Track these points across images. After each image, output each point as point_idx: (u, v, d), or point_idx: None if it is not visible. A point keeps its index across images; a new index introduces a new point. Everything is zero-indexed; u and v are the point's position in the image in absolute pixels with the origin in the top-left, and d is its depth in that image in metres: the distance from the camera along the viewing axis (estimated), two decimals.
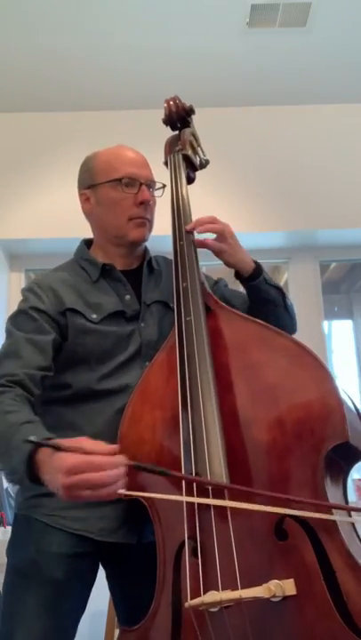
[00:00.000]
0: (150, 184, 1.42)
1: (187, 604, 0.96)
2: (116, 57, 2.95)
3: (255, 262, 1.43)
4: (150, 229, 1.44)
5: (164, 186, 1.45)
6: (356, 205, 3.16)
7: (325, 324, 3.33)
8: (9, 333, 1.33)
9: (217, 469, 1.06)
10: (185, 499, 1.04)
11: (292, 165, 3.22)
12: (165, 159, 1.59)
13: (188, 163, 1.55)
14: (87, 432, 1.25)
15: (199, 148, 1.62)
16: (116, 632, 2.31)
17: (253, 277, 1.42)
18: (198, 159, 1.59)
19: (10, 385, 1.22)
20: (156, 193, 1.45)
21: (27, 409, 1.18)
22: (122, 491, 0.98)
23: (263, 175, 3.22)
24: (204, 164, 1.61)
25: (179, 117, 1.60)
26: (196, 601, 0.95)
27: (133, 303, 1.39)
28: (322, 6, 2.70)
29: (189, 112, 1.61)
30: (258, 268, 1.42)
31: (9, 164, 3.22)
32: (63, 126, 3.24)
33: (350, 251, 3.38)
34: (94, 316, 1.35)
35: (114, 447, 1.00)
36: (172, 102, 1.60)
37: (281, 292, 1.46)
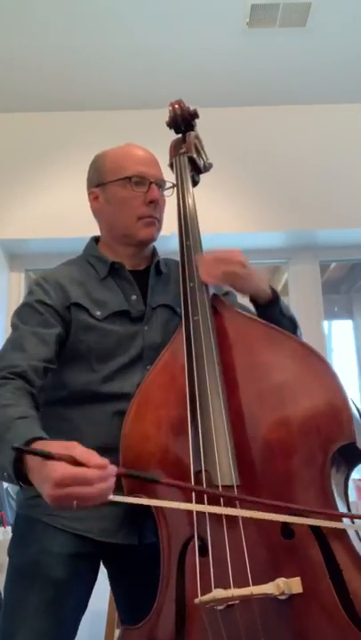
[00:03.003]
0: (160, 183, 1.41)
1: (197, 600, 0.95)
2: (116, 57, 2.95)
3: (273, 290, 1.35)
4: (159, 229, 1.43)
5: (173, 185, 1.44)
6: (356, 205, 3.16)
7: (325, 323, 3.33)
8: (14, 327, 1.33)
9: (226, 470, 1.06)
10: (194, 507, 1.04)
11: (292, 165, 3.22)
12: (170, 161, 1.59)
13: (193, 165, 1.56)
14: (88, 433, 1.27)
15: (203, 152, 1.63)
16: (116, 632, 2.31)
17: (268, 306, 1.34)
18: (202, 162, 1.60)
19: (11, 377, 1.20)
20: (166, 193, 1.44)
21: (24, 402, 1.15)
22: (112, 497, 0.95)
23: (263, 175, 3.22)
24: (207, 168, 1.62)
25: (183, 120, 1.61)
26: (208, 597, 0.94)
27: (139, 304, 1.38)
28: (322, 6, 2.70)
29: (194, 116, 1.61)
30: (274, 298, 1.35)
31: (9, 164, 3.22)
32: (64, 126, 3.25)
33: (350, 251, 3.38)
34: (98, 312, 1.34)
35: (105, 462, 0.93)
36: (176, 105, 1.61)
37: (294, 323, 1.39)
